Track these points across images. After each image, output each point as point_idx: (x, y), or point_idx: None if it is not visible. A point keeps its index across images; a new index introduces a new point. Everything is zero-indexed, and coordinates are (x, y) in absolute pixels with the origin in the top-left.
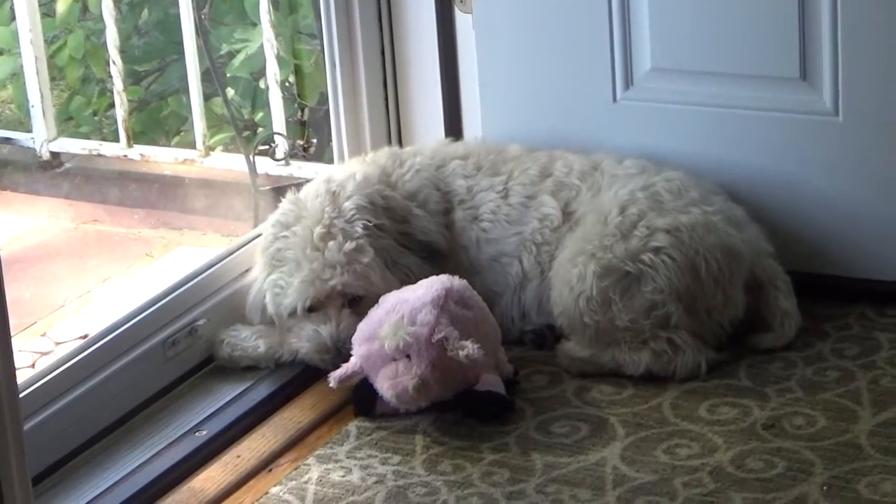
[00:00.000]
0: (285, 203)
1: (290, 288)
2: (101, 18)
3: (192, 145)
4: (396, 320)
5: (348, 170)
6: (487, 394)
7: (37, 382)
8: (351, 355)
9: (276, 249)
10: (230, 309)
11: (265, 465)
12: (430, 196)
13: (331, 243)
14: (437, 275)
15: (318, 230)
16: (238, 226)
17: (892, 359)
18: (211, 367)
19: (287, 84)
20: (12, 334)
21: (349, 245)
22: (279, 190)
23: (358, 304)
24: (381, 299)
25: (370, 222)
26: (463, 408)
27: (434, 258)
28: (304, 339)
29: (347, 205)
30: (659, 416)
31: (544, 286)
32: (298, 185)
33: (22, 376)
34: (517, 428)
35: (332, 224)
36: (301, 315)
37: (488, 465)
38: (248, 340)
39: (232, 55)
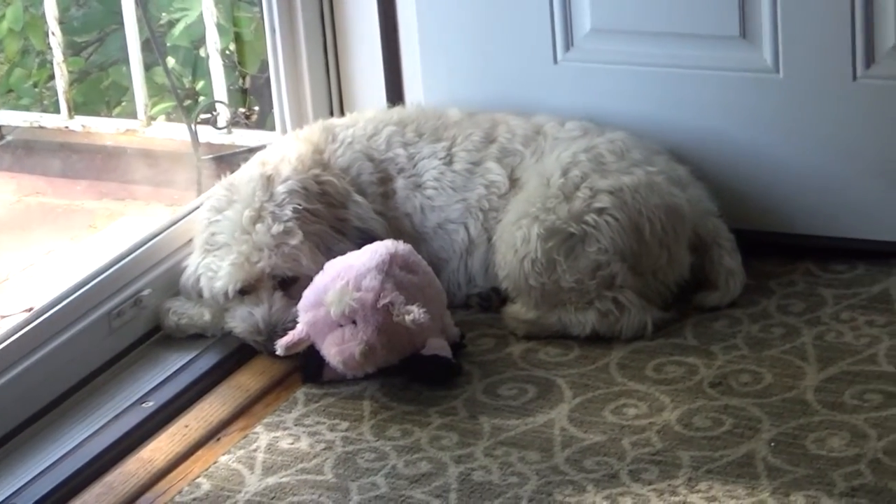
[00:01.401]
0: (219, 188)
1: (221, 271)
2: None
3: (134, 115)
4: (342, 286)
5: (282, 150)
6: (434, 358)
7: None
8: (286, 334)
9: (210, 234)
10: (175, 278)
11: (213, 434)
12: (364, 168)
13: (259, 226)
14: None
15: (248, 213)
16: (181, 195)
17: (836, 314)
18: (157, 337)
19: (227, 52)
20: None
21: (277, 227)
22: (221, 158)
23: (291, 286)
24: (326, 266)
25: (300, 206)
26: (410, 372)
27: None
28: (238, 320)
29: (280, 189)
30: (606, 376)
31: (491, 252)
32: (241, 153)
33: None
34: (464, 391)
35: (262, 207)
36: (235, 298)
37: (436, 430)
38: (193, 309)
39: (172, 24)
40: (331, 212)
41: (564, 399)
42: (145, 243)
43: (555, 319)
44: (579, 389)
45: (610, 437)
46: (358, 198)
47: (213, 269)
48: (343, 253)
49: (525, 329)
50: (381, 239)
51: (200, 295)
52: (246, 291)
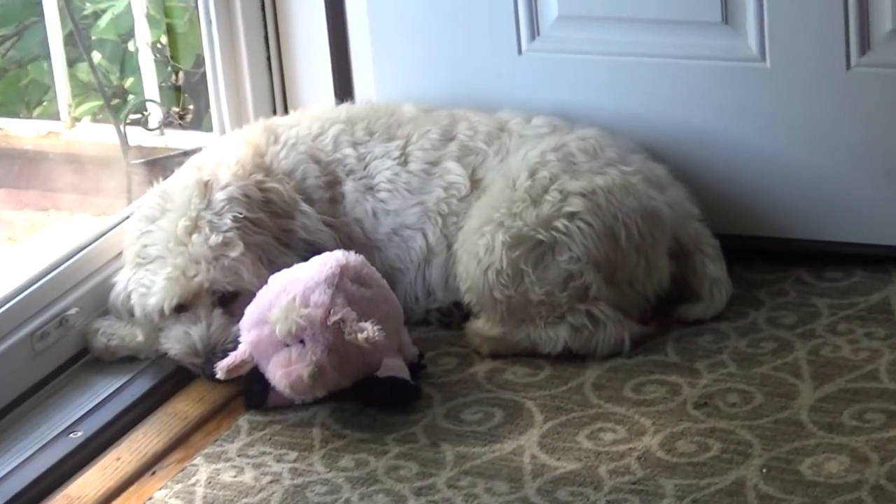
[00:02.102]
0: (151, 195)
1: (154, 287)
2: None
3: (57, 116)
4: (288, 302)
5: (220, 153)
6: (390, 380)
7: None
8: (226, 355)
9: (141, 246)
10: (104, 296)
11: (148, 466)
12: (309, 171)
13: (195, 237)
14: None
15: (183, 223)
16: (110, 204)
17: (832, 326)
18: (85, 360)
19: (159, 46)
20: None
21: (215, 238)
22: (154, 163)
23: (231, 302)
24: (270, 280)
25: (241, 214)
26: (364, 396)
27: None
28: (174, 341)
29: (218, 196)
30: (580, 398)
31: (451, 261)
32: (175, 157)
33: None
34: (424, 416)
35: (199, 216)
36: (170, 315)
37: (394, 459)
38: (124, 329)
39: (97, 15)
40: (275, 222)
41: (535, 423)
42: (71, 257)
43: (523, 336)
44: (551, 413)
45: (585, 465)
46: (305, 207)
47: (146, 284)
48: (288, 266)
49: (490, 347)
50: (330, 251)
51: (132, 313)
52: (182, 309)
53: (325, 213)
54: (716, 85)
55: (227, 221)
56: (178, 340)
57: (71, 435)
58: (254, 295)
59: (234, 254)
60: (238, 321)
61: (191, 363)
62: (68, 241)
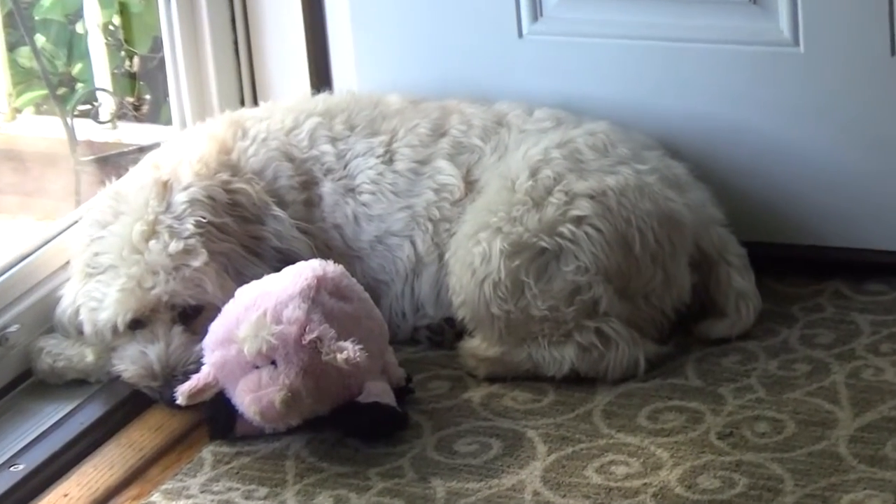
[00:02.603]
0: (103, 197)
1: (106, 300)
2: None
3: None
4: (258, 318)
5: (180, 149)
6: (374, 406)
7: None
8: (188, 378)
9: (92, 254)
10: (48, 311)
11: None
12: (281, 170)
13: (153, 243)
14: None
15: (139, 228)
16: (55, 206)
17: (874, 346)
18: (28, 383)
19: (111, 28)
20: None
21: (176, 245)
22: (105, 160)
23: (193, 318)
24: (237, 293)
25: (205, 219)
26: (344, 425)
27: None
28: (128, 362)
29: (179, 198)
30: (588, 426)
31: (442, 272)
32: (129, 153)
33: None
34: (412, 448)
35: (156, 221)
36: (124, 333)
37: (378, 496)
38: (72, 348)
39: None
40: (243, 228)
41: (537, 456)
42: (10, 268)
43: (524, 357)
44: (555, 443)
45: (595, 503)
46: (278, 211)
47: (97, 297)
48: (258, 277)
49: (487, 369)
50: (306, 260)
51: (81, 331)
52: (138, 325)
53: (299, 217)
54: (742, 73)
55: (189, 227)
56: (132, 361)
57: (12, 468)
58: (219, 310)
59: (196, 263)
60: (201, 340)
61: (147, 387)
62: (8, 248)
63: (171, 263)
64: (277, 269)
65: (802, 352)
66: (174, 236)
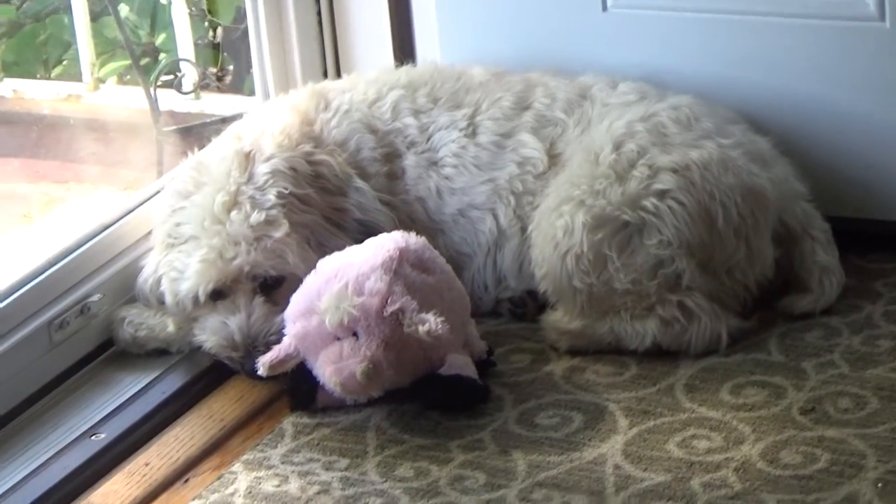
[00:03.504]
0: (185, 167)
1: (187, 271)
2: None
3: (78, 78)
4: (339, 290)
5: (262, 120)
6: (455, 379)
7: None
8: (269, 349)
9: (173, 225)
10: (130, 281)
11: (180, 474)
12: (364, 142)
13: (234, 214)
14: None
15: (221, 199)
16: (138, 177)
17: None
18: (110, 353)
19: None
20: None
21: (257, 216)
22: (188, 131)
23: (275, 289)
24: (319, 264)
25: (287, 190)
26: (425, 397)
27: None
28: (209, 332)
29: (261, 169)
30: (670, 400)
31: (525, 245)
32: (211, 124)
33: None
34: (493, 420)
35: (238, 192)
36: (206, 303)
37: (459, 468)
38: (153, 318)
39: None
40: (325, 199)
41: (618, 429)
42: (93, 237)
43: (606, 330)
44: (637, 417)
45: (676, 477)
46: (360, 183)
47: (178, 267)
48: (339, 249)
49: (569, 342)
50: (388, 232)
51: (162, 301)
52: (219, 296)
53: (382, 190)
54: (827, 47)
55: (271, 198)
56: (214, 332)
57: (93, 437)
58: (300, 281)
59: (278, 234)
60: (282, 311)
61: (228, 358)
62: (90, 218)
63: (253, 234)
64: (359, 241)
65: (886, 328)
66: (256, 207)
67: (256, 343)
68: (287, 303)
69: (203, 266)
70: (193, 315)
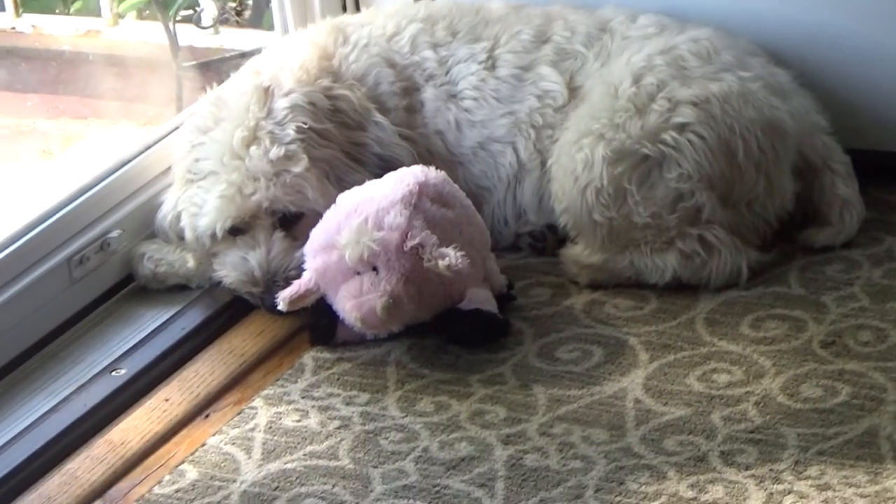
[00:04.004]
0: (204, 103)
1: (206, 206)
2: None
3: (97, 13)
4: (359, 224)
5: (282, 55)
6: (475, 313)
7: None
8: (289, 284)
9: (193, 160)
10: (150, 216)
11: (200, 409)
12: (383, 76)
13: (253, 149)
14: None
15: (240, 134)
16: (157, 112)
17: None
18: (130, 288)
19: None
20: None
21: (277, 151)
22: (207, 66)
23: (294, 224)
24: (338, 199)
25: (306, 125)
26: (445, 331)
27: None
28: (229, 267)
29: (280, 104)
30: (690, 334)
31: (545, 179)
32: (231, 59)
33: None
34: (514, 354)
35: (257, 126)
36: (225, 239)
37: (479, 402)
38: (173, 254)
39: None
40: (344, 134)
41: (639, 363)
42: (112, 173)
43: (626, 263)
44: (657, 351)
45: (696, 411)
46: (379, 118)
47: (197, 203)
48: (359, 184)
49: (589, 276)
50: (407, 166)
51: (181, 236)
52: (238, 231)
53: (401, 124)
54: None
55: (290, 132)
56: (233, 267)
57: (113, 373)
58: (320, 216)
59: (297, 169)
60: (302, 246)
61: (248, 293)
62: (110, 154)
63: (272, 169)
64: (378, 176)
65: None
66: (275, 142)
67: (276, 278)
68: (307, 238)
69: (222, 201)
70: (213, 250)
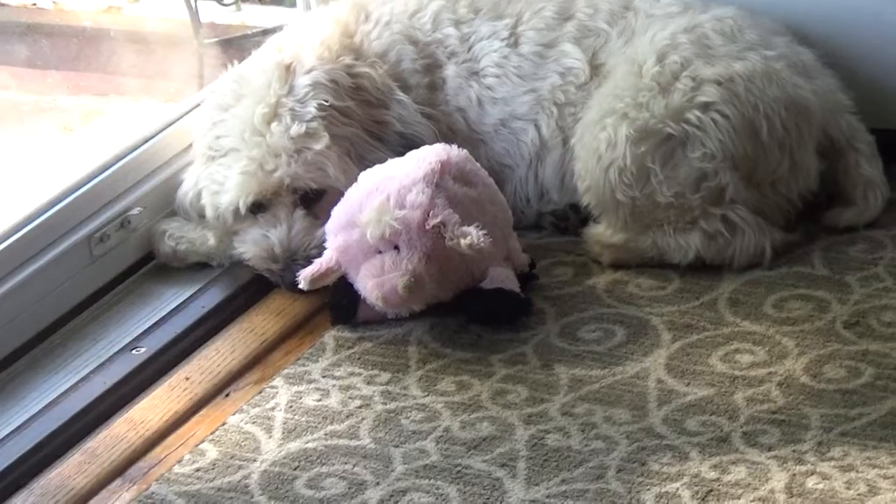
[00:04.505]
0: (225, 80)
1: (228, 183)
2: None
3: None
4: (380, 203)
5: (303, 32)
6: (497, 292)
7: None
8: (310, 261)
9: (214, 137)
10: (170, 193)
11: (221, 388)
12: (404, 53)
13: (274, 126)
14: None
15: (261, 110)
16: (178, 89)
17: None
18: (150, 266)
19: None
20: None
21: (298, 128)
22: (229, 43)
23: (315, 202)
24: (360, 177)
25: (327, 102)
26: (467, 310)
27: None
28: (250, 245)
29: (302, 81)
30: (713, 314)
31: (567, 157)
32: (252, 36)
33: None
34: (536, 334)
35: (279, 103)
36: (246, 217)
37: (501, 382)
38: (194, 231)
39: None
40: (366, 111)
41: (661, 343)
42: (133, 150)
43: (649, 243)
44: (680, 331)
45: (719, 391)
46: (401, 96)
47: (218, 180)
48: (379, 162)
49: (612, 255)
50: (429, 144)
51: (202, 214)
52: (259, 208)
53: (423, 101)
54: None
55: (311, 110)
56: (254, 244)
57: (133, 351)
58: (341, 194)
59: (318, 146)
60: (323, 224)
61: (268, 270)
62: (131, 131)
63: (293, 146)
64: (400, 154)
65: None
66: (296, 119)
67: (296, 256)
68: (328, 216)
69: (243, 178)
70: (234, 228)
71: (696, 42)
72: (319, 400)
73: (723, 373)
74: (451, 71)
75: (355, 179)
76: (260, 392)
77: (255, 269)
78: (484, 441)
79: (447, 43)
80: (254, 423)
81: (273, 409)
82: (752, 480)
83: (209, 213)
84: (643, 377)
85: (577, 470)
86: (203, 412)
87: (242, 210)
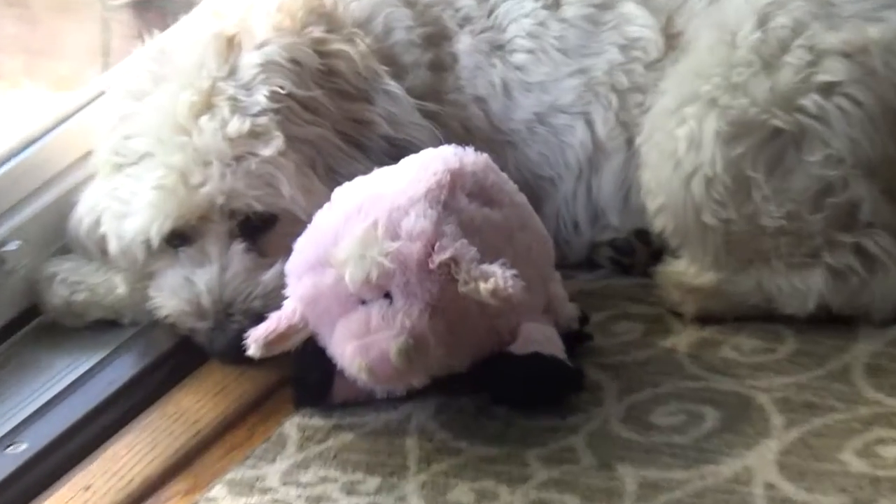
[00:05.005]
0: (140, 57)
1: (136, 201)
2: None
3: None
4: (365, 231)
5: None
6: (533, 358)
7: None
8: (262, 317)
9: (121, 137)
10: (62, 220)
11: (136, 501)
12: (396, 19)
13: (205, 120)
14: None
15: (187, 98)
16: (74, 71)
17: None
18: (33, 325)
19: None
20: None
21: (239, 124)
22: (145, 6)
23: (261, 232)
24: (334, 195)
25: (283, 90)
26: (490, 386)
27: None
28: (168, 292)
29: (249, 59)
30: (845, 388)
31: (632, 165)
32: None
33: None
34: (590, 419)
35: (213, 89)
36: (163, 251)
37: (540, 489)
38: (97, 275)
39: None
40: (340, 106)
41: (771, 431)
42: (10, 159)
43: (751, 286)
44: (797, 413)
45: (854, 499)
46: (392, 85)
47: (124, 198)
48: (356, 176)
49: (698, 304)
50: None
51: (105, 249)
52: (181, 239)
53: (424, 87)
54: None
55: (260, 99)
56: (172, 292)
57: (9, 449)
58: (298, 222)
59: (267, 152)
60: (271, 264)
61: (192, 329)
62: (6, 131)
63: (231, 151)
64: (385, 166)
65: None
66: (237, 112)
67: (233, 310)
68: (278, 253)
69: (158, 194)
70: (149, 268)
71: None
72: None
73: (860, 473)
74: (464, 44)
75: (322, 201)
76: None
77: (177, 327)
78: None
79: (458, 4)
80: None
81: None
82: None
83: (113, 245)
84: (745, 481)
85: None
86: None
87: (155, 241)
